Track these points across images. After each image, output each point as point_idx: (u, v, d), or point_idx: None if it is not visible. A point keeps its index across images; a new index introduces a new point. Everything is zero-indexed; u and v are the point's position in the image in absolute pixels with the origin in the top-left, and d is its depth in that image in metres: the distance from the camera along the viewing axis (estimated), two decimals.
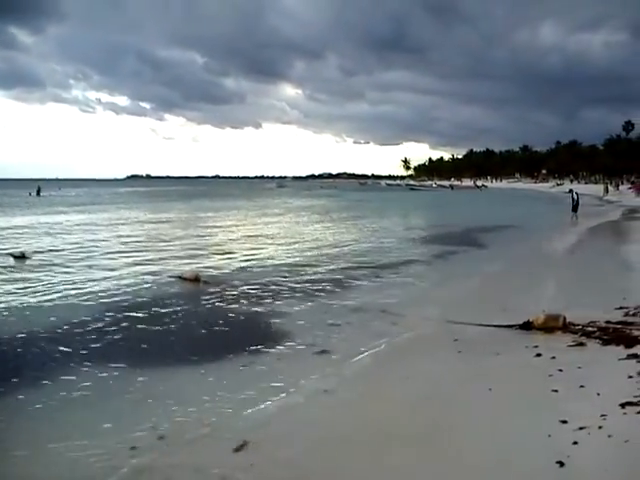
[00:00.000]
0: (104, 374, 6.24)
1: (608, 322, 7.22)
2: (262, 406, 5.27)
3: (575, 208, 26.90)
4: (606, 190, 59.82)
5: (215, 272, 13.02)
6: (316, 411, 5.21)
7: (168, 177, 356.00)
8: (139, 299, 10.10)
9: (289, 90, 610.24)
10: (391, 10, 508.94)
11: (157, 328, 8.20)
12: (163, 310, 9.26)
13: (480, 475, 3.86)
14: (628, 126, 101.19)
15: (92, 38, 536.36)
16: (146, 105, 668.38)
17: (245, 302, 9.91)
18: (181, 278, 11.88)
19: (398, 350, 7.05)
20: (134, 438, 4.62)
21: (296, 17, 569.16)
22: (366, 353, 6.89)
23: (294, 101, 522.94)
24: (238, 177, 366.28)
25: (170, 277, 12.16)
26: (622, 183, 72.09)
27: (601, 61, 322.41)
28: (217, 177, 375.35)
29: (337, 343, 7.39)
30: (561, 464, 3.67)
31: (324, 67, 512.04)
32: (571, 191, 28.75)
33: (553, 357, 6.07)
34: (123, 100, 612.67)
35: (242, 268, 13.79)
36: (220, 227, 26.52)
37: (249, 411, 5.16)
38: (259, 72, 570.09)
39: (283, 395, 5.56)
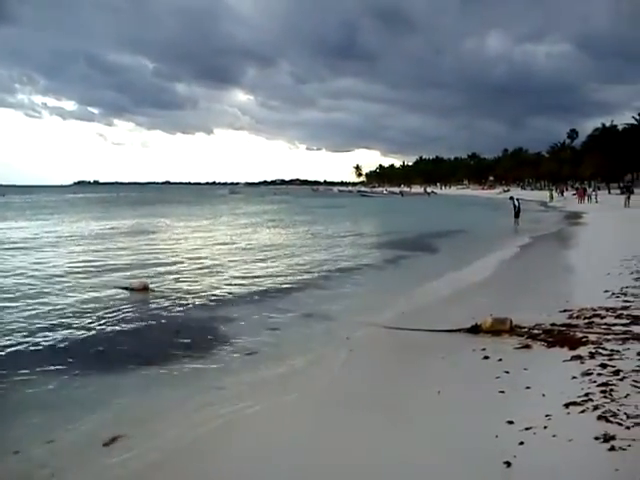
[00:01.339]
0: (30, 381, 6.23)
1: (553, 324, 7.42)
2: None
3: (517, 214, 27.61)
4: (551, 196, 61.70)
5: (165, 281, 12.74)
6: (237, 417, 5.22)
7: (117, 183, 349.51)
8: (84, 309, 9.81)
9: (241, 96, 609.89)
10: (342, 18, 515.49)
11: (99, 337, 8.06)
12: (108, 320, 9.04)
13: (429, 476, 3.90)
14: (573, 134, 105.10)
15: (39, 42, 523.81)
16: (94, 110, 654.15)
17: (193, 310, 9.82)
18: (129, 289, 11.48)
19: (345, 355, 7.07)
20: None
21: (248, 24, 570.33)
22: (309, 358, 6.96)
23: (246, 107, 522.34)
24: (189, 183, 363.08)
25: (118, 287, 11.78)
26: (567, 189, 74.53)
27: (545, 71, 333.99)
28: (167, 183, 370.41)
29: (277, 348, 7.44)
30: (508, 464, 3.73)
31: (276, 74, 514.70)
32: (512, 198, 29.50)
33: (500, 359, 6.20)
34: (71, 105, 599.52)
35: (192, 276, 13.58)
36: (170, 235, 26.08)
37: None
38: (211, 78, 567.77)
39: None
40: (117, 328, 8.60)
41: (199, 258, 17.21)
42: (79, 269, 14.70)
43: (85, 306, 10.10)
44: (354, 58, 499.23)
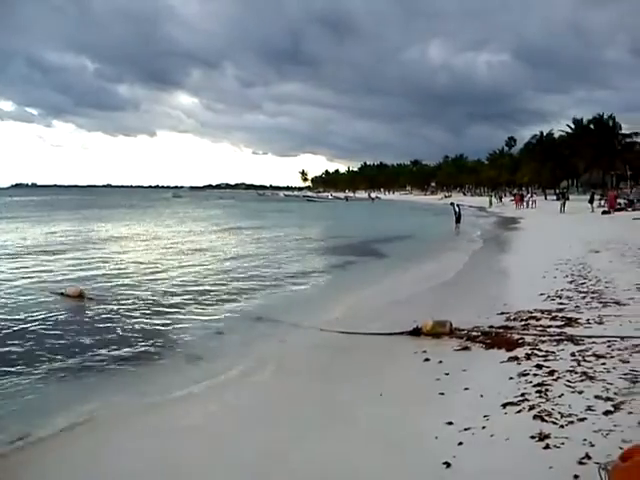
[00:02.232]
0: None
1: (491, 327, 7.60)
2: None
3: (458, 220, 28.24)
4: (491, 202, 63.38)
5: (101, 287, 12.32)
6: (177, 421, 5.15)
7: (56, 186, 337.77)
8: (14, 316, 9.41)
9: (185, 99, 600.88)
10: (287, 24, 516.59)
11: (29, 345, 7.71)
12: (40, 327, 8.69)
13: (370, 477, 3.92)
14: (511, 141, 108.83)
15: None
16: (33, 111, 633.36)
17: (129, 316, 9.51)
18: (64, 295, 11.04)
19: (289, 358, 7.07)
20: None
21: (193, 27, 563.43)
22: (249, 362, 6.91)
23: (191, 110, 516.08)
24: (131, 186, 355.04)
25: (52, 293, 11.33)
26: (505, 195, 76.75)
27: (485, 80, 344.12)
28: (109, 186, 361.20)
29: (218, 353, 7.37)
30: (447, 465, 3.78)
31: (221, 77, 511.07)
32: (452, 204, 30.17)
33: (440, 361, 6.30)
34: (8, 105, 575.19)
35: (131, 282, 13.18)
36: (109, 239, 25.32)
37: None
38: (154, 80, 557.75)
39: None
40: (44, 334, 8.28)
41: (140, 263, 16.81)
42: (10, 274, 14.15)
43: (12, 312, 9.73)
44: (300, 63, 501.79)
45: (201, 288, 12.34)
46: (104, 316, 9.52)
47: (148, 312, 9.87)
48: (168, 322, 9.10)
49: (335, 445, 4.44)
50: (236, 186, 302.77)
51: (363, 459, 4.17)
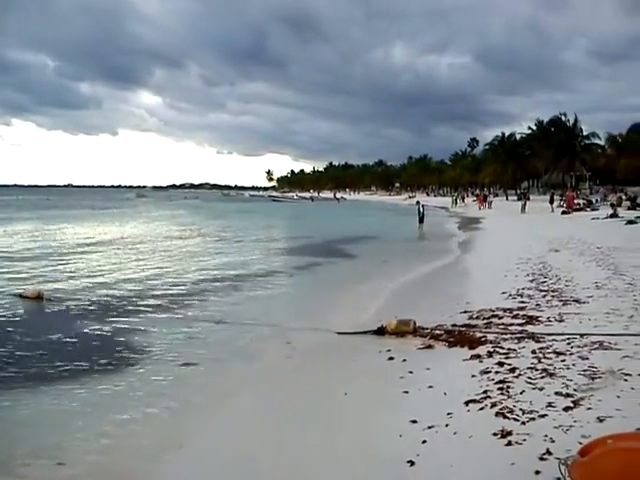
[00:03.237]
0: None
1: (454, 325, 7.68)
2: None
3: (421, 220, 28.47)
4: (454, 202, 64.24)
5: (62, 289, 11.98)
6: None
7: (15, 185, 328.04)
8: None
9: (148, 97, 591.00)
10: (251, 23, 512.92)
11: None
12: None
13: (334, 476, 3.92)
14: (473, 142, 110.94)
15: None
16: None
17: (93, 319, 9.23)
18: (22, 296, 10.72)
19: (251, 361, 7.02)
20: None
21: (155, 24, 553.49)
22: (213, 365, 6.84)
23: (154, 109, 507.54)
24: (93, 186, 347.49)
25: (8, 295, 11.00)
26: (468, 196, 77.86)
27: (447, 82, 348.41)
28: (70, 186, 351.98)
29: (195, 357, 7.15)
30: (411, 463, 3.79)
31: (185, 76, 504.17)
32: (418, 203, 30.41)
33: (404, 360, 6.34)
34: None
35: (93, 283, 12.86)
36: (70, 240, 24.70)
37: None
38: (116, 78, 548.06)
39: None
40: (12, 342, 7.89)
41: (103, 264, 16.47)
42: None
43: None
44: (264, 63, 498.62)
45: (164, 289, 12.17)
46: (61, 318, 9.30)
47: (110, 315, 9.59)
48: (132, 326, 8.84)
49: (298, 445, 4.42)
50: (200, 186, 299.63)
51: (327, 458, 4.17)
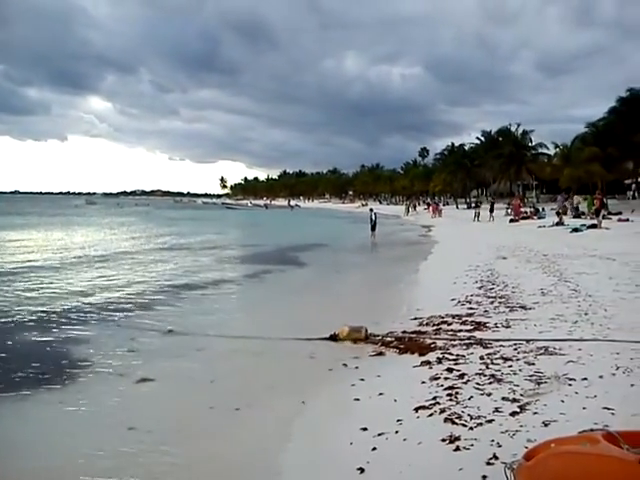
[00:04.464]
0: None
1: (404, 332, 7.75)
2: None
3: (373, 227, 28.67)
4: (407, 210, 65.11)
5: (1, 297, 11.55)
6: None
7: None
8: None
9: (99, 103, 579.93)
10: (203, 29, 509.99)
11: None
12: None
13: None
14: (424, 152, 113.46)
15: None
16: None
17: (33, 330, 8.85)
18: None
19: (206, 367, 6.89)
20: None
21: (105, 29, 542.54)
22: (161, 373, 6.67)
23: (104, 114, 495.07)
24: (41, 193, 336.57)
25: None
26: (419, 204, 79.05)
27: (399, 92, 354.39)
28: (17, 192, 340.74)
29: (136, 367, 6.96)
30: (361, 470, 3.80)
31: (136, 82, 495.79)
32: (371, 211, 30.62)
33: (356, 367, 6.37)
34: None
35: (33, 293, 12.38)
36: (11, 248, 23.88)
37: None
38: (65, 83, 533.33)
39: None
40: None
41: (45, 274, 15.95)
42: None
43: None
44: (217, 70, 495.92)
45: (111, 298, 11.82)
46: (3, 330, 8.88)
47: (51, 326, 9.21)
48: (74, 337, 8.54)
49: (249, 455, 4.37)
50: (152, 193, 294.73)
51: (276, 466, 4.14)
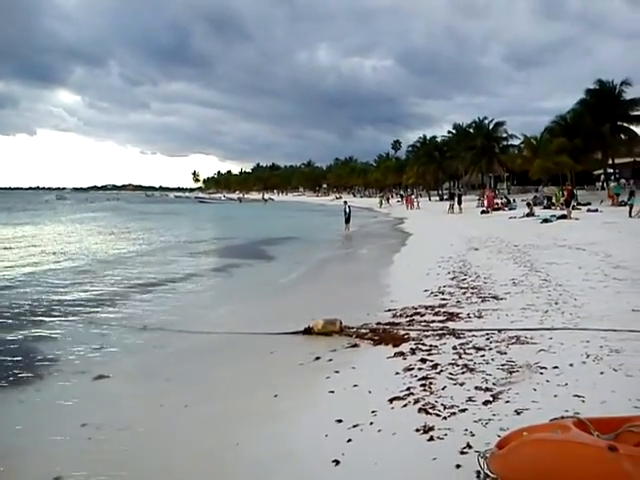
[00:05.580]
0: None
1: (378, 323, 7.77)
2: None
3: (347, 220, 28.71)
4: (380, 203, 65.41)
5: None
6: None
7: None
8: None
9: (68, 96, 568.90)
10: (173, 20, 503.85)
11: None
12: None
13: (260, 477, 3.90)
14: (397, 144, 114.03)
15: None
16: None
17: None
18: None
19: (180, 363, 6.83)
20: None
21: (74, 21, 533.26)
22: (133, 371, 6.66)
23: (73, 108, 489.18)
24: (10, 188, 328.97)
25: None
26: (392, 196, 79.43)
27: (372, 85, 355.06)
28: None
29: (99, 364, 6.85)
30: (337, 462, 3.80)
31: (106, 75, 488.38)
32: (345, 203, 30.65)
33: (330, 359, 6.36)
34: None
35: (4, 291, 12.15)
36: None
37: None
38: (34, 77, 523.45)
39: None
40: None
41: (11, 268, 15.64)
42: None
43: None
44: (187, 63, 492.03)
45: (76, 294, 11.63)
46: None
47: (18, 322, 9.08)
48: (41, 334, 8.41)
49: (224, 449, 4.34)
50: (123, 187, 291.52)
51: (252, 461, 4.12)
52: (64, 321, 9.21)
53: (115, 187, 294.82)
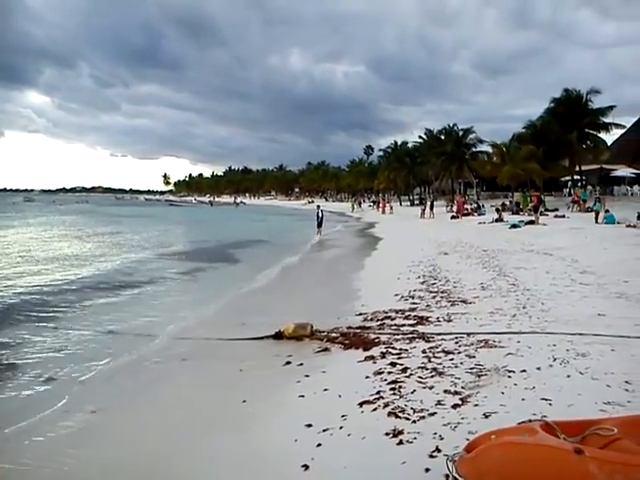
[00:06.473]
0: None
1: (349, 327, 7.77)
2: None
3: (320, 224, 28.74)
4: (353, 207, 65.78)
5: None
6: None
7: None
8: None
9: (36, 97, 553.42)
10: (144, 22, 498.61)
11: None
12: None
13: None
14: (369, 150, 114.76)
15: None
16: None
17: None
18: None
19: (146, 368, 6.72)
20: None
21: (42, 20, 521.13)
22: (102, 374, 6.52)
23: (42, 109, 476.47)
24: None
25: None
26: (364, 201, 79.85)
27: (343, 90, 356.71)
28: None
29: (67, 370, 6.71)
30: (306, 467, 3.78)
31: (76, 76, 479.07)
32: (318, 207, 30.67)
33: (301, 364, 6.33)
34: None
35: None
36: None
37: None
38: (2, 77, 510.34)
39: None
40: None
41: None
42: None
43: None
44: (159, 65, 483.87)
45: (41, 298, 11.38)
46: None
47: None
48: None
49: (194, 455, 4.28)
50: (92, 189, 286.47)
51: (220, 466, 4.08)
52: (31, 326, 9.03)
53: (84, 189, 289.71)
